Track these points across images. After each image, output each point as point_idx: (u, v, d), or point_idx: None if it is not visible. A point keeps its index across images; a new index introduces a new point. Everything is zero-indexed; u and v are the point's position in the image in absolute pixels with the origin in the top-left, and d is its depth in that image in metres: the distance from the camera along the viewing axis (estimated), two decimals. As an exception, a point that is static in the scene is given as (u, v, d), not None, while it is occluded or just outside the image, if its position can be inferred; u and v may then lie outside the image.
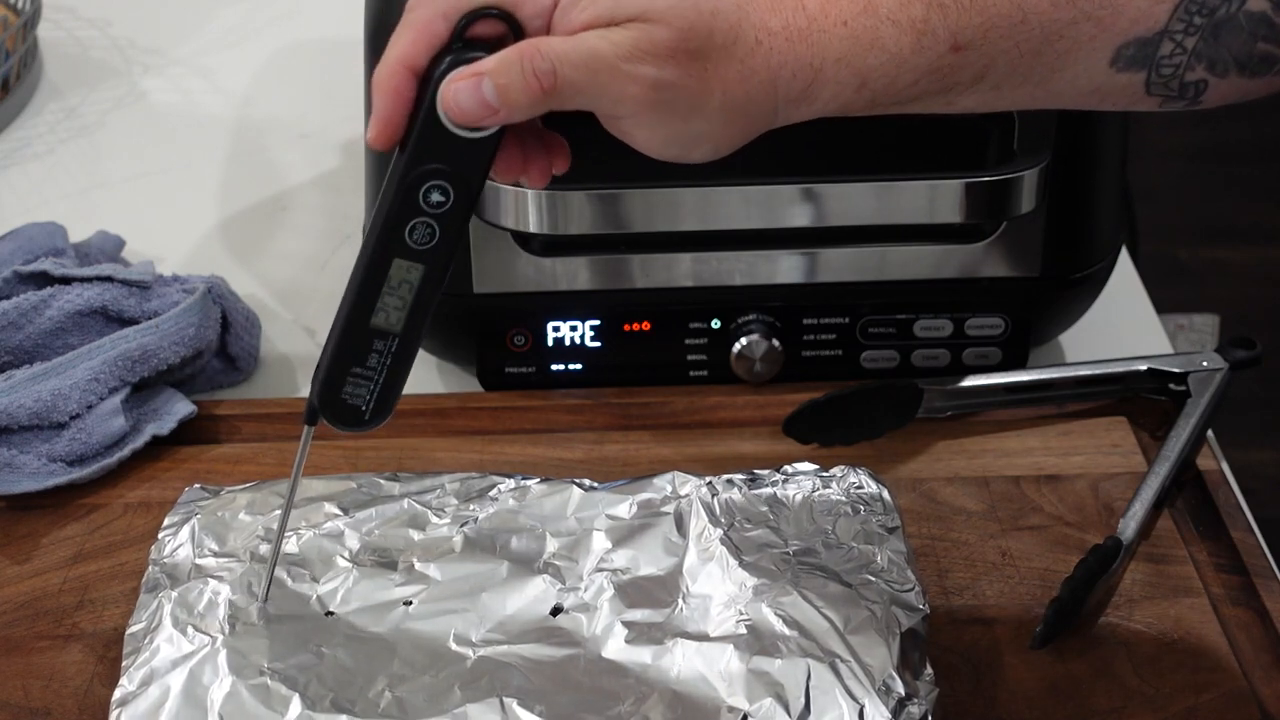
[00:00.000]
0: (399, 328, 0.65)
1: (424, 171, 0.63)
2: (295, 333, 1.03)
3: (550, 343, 0.93)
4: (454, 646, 0.70)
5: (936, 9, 0.63)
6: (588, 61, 0.61)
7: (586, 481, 0.80)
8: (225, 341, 0.97)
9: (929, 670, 0.70)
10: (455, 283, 0.90)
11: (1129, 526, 0.82)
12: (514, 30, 0.62)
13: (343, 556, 0.75)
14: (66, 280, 0.95)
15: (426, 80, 0.62)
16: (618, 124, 0.63)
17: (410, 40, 0.62)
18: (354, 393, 0.66)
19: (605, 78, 0.61)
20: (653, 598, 0.72)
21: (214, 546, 0.76)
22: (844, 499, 0.78)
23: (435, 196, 0.63)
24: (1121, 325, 1.01)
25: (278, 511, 0.78)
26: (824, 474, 0.80)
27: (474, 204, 0.64)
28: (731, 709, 0.67)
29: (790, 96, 0.63)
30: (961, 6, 0.63)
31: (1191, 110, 0.66)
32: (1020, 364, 0.94)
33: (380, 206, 0.64)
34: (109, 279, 0.94)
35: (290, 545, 0.75)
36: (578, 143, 0.89)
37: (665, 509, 0.77)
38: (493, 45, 0.62)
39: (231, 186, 1.19)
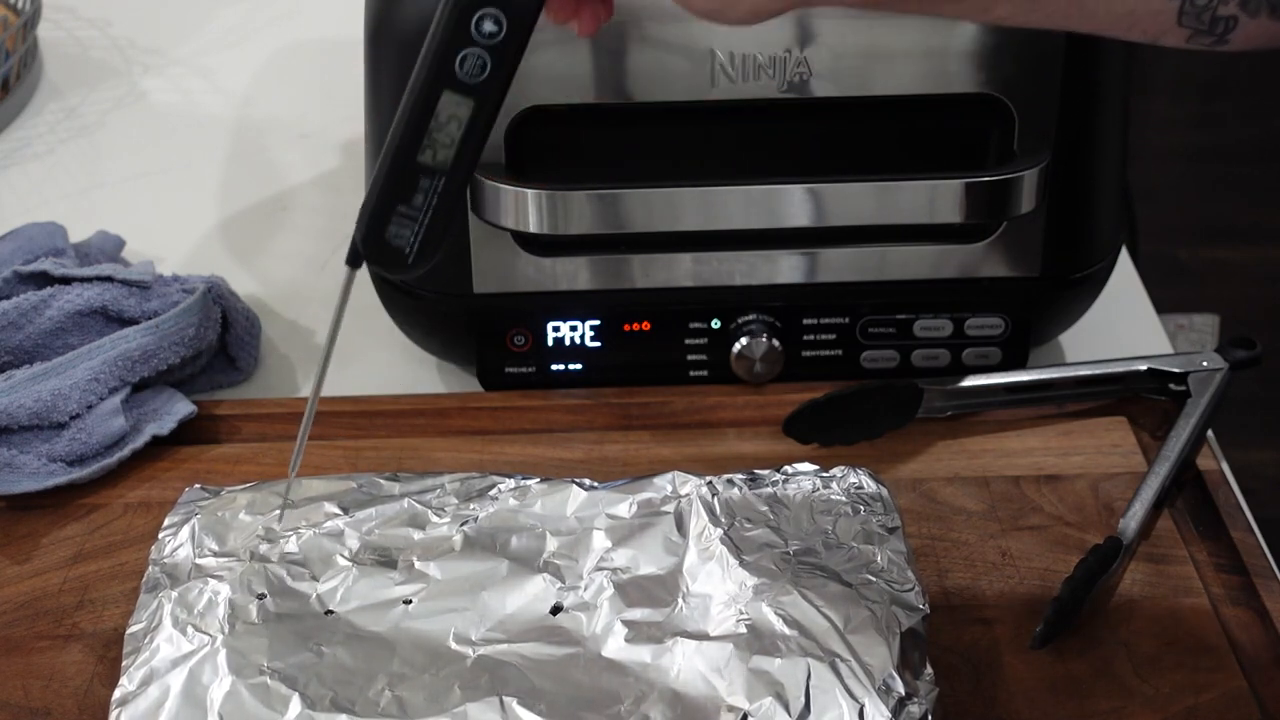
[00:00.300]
0: (446, 165, 0.63)
1: None
2: (295, 333, 1.03)
3: (550, 343, 0.93)
4: (454, 645, 0.70)
5: None
6: None
7: (587, 481, 0.80)
8: (225, 341, 0.97)
9: (929, 670, 0.70)
10: (455, 283, 0.90)
11: (1129, 526, 0.82)
12: None
13: (343, 555, 0.75)
14: (66, 280, 0.95)
15: None
16: None
17: None
18: (398, 233, 0.64)
19: None
20: (653, 597, 0.72)
21: (214, 546, 0.76)
22: (844, 499, 0.78)
23: (488, 26, 0.61)
24: (1121, 325, 1.01)
25: (278, 511, 0.78)
26: (824, 474, 0.80)
27: (528, 36, 0.62)
28: (731, 708, 0.67)
29: None
30: None
31: (1213, 51, 0.65)
32: (1020, 364, 0.94)
33: (431, 37, 0.62)
34: (109, 279, 0.94)
35: (290, 545, 0.75)
36: (577, 142, 0.89)
37: (665, 508, 0.77)
38: None
39: (231, 186, 1.19)
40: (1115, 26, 0.65)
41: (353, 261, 0.66)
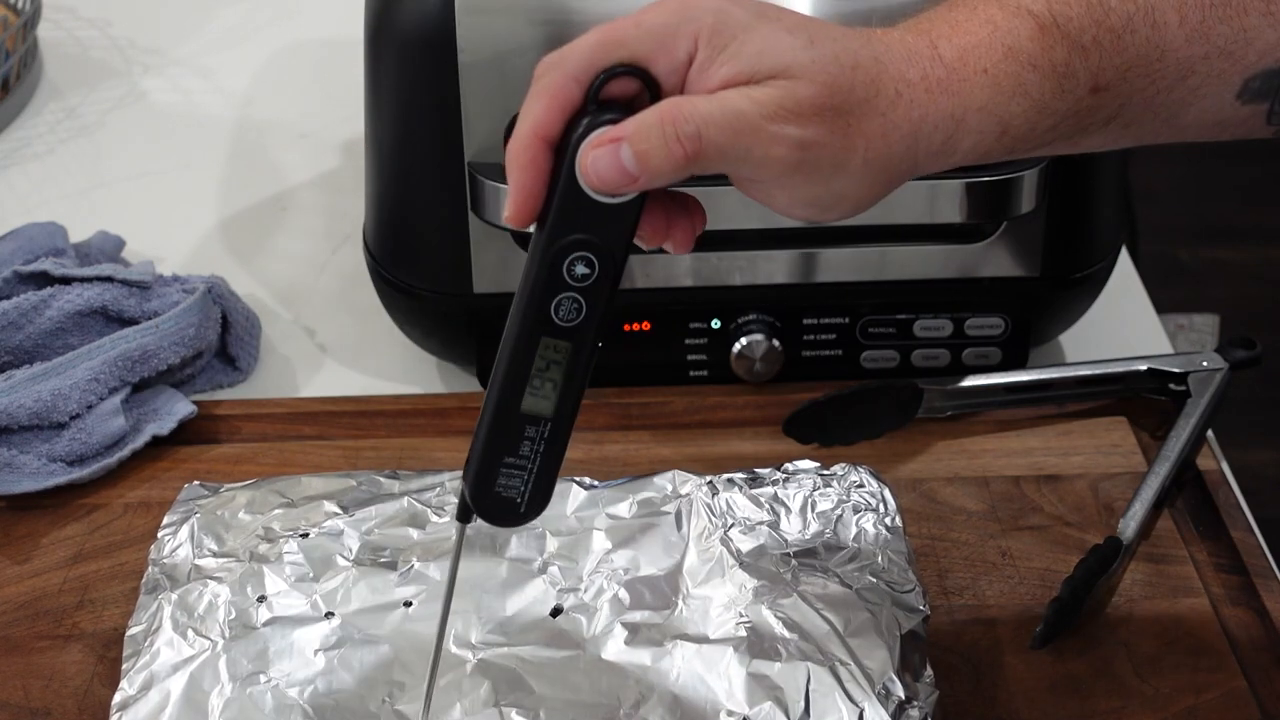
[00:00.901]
0: (550, 411, 0.62)
1: (567, 243, 0.60)
2: (295, 333, 1.03)
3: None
4: (454, 649, 0.70)
5: (1078, 52, 0.62)
6: (732, 123, 0.58)
7: (587, 480, 0.79)
8: (225, 341, 0.97)
9: (929, 672, 0.70)
10: (455, 283, 0.90)
11: (1129, 526, 0.82)
12: (650, 88, 0.59)
13: (343, 556, 0.75)
14: (67, 280, 0.95)
15: (562, 149, 0.59)
16: (757, 187, 0.62)
17: (543, 108, 0.59)
18: (508, 484, 0.63)
19: (750, 139, 0.59)
20: (653, 599, 0.72)
21: (213, 547, 0.76)
22: (845, 499, 0.78)
23: (580, 269, 0.60)
24: (1121, 325, 1.01)
25: (278, 510, 0.78)
26: (824, 472, 0.80)
27: (620, 274, 0.61)
28: (731, 712, 0.67)
29: (931, 149, 0.62)
30: (1102, 49, 0.62)
31: None
32: (1020, 364, 0.94)
33: (523, 286, 0.61)
34: (109, 279, 0.94)
35: (290, 545, 0.75)
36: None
37: (666, 508, 0.77)
38: (628, 106, 0.59)
39: (231, 186, 1.19)
40: (1207, 135, 0.66)
41: (463, 517, 0.65)
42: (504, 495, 0.63)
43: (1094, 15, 0.62)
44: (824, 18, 0.83)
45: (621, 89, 0.60)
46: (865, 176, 0.61)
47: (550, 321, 0.61)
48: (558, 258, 0.60)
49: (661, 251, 0.64)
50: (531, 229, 0.62)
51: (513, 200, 0.60)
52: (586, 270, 0.60)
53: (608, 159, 0.58)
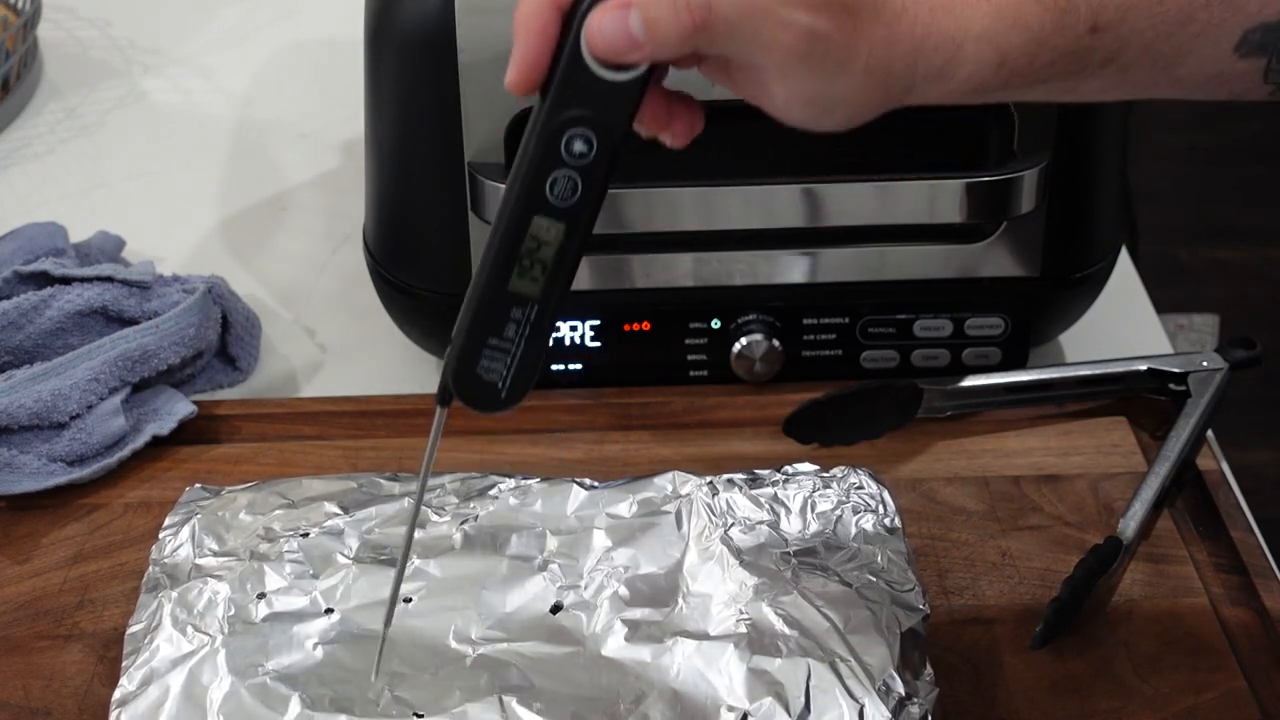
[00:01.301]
0: (538, 293, 0.60)
1: (567, 119, 0.59)
2: (295, 333, 1.03)
3: (550, 343, 0.93)
4: (454, 644, 0.70)
5: None
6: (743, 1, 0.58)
7: (587, 480, 0.80)
8: (225, 341, 0.98)
9: (929, 670, 0.70)
10: (455, 283, 0.90)
11: (1129, 526, 0.82)
12: None
13: (343, 554, 0.75)
14: (67, 280, 0.95)
15: (571, 17, 0.58)
16: (759, 77, 0.61)
17: None
18: (490, 367, 0.61)
19: (760, 19, 0.58)
20: (653, 596, 0.72)
21: (214, 546, 0.76)
22: (844, 499, 0.78)
23: (578, 146, 0.59)
24: (1121, 325, 1.01)
25: (278, 511, 0.78)
26: (824, 474, 0.80)
27: (619, 156, 0.60)
28: (731, 708, 0.67)
29: (930, 71, 0.62)
30: None
31: None
32: (1020, 364, 0.94)
33: (519, 160, 0.60)
34: (109, 279, 0.95)
35: (290, 544, 0.75)
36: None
37: (666, 508, 0.77)
38: None
39: (231, 186, 1.19)
40: (1202, 89, 0.66)
41: (443, 400, 0.63)
42: (485, 379, 0.62)
43: None
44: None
45: None
46: (865, 82, 0.61)
47: (544, 200, 0.60)
48: (556, 133, 0.59)
49: (656, 145, 0.63)
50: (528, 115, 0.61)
51: (516, 66, 0.59)
52: (584, 148, 0.59)
53: (614, 23, 0.58)
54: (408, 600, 0.72)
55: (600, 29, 0.58)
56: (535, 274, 0.60)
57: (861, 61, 0.60)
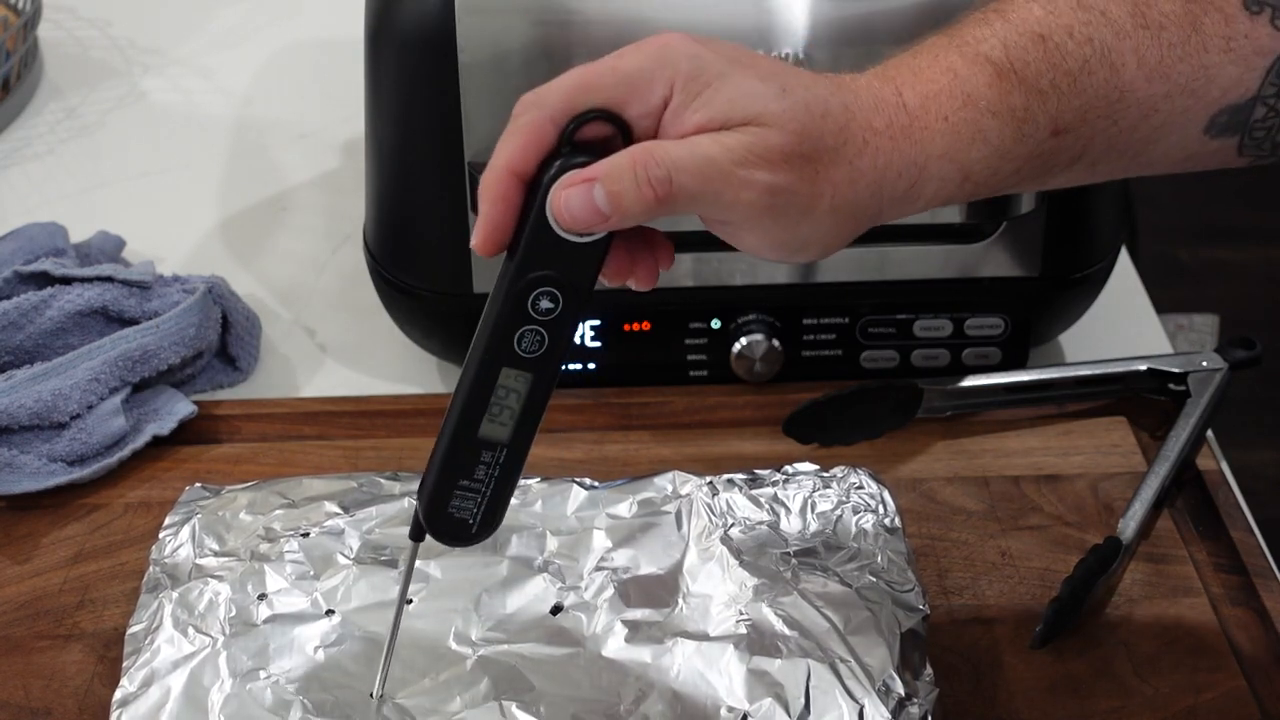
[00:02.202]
0: (507, 438, 0.63)
1: (534, 279, 0.61)
2: (295, 333, 1.03)
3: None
4: (454, 645, 0.70)
5: (1036, 96, 0.62)
6: (702, 168, 0.59)
7: (587, 480, 0.80)
8: (225, 341, 0.98)
9: (929, 670, 0.70)
10: (455, 282, 0.90)
11: (1129, 526, 0.82)
12: (623, 133, 0.61)
13: (343, 555, 0.75)
14: (67, 280, 0.95)
15: (535, 186, 0.61)
16: (726, 229, 0.63)
17: (518, 145, 0.61)
18: (461, 506, 0.64)
19: (720, 184, 0.60)
20: (653, 597, 0.72)
21: (214, 546, 0.76)
22: (844, 499, 0.78)
23: (544, 304, 0.62)
24: (1121, 325, 1.01)
25: (279, 511, 0.78)
26: (824, 474, 0.80)
27: (583, 310, 0.62)
28: (731, 709, 0.67)
29: (895, 195, 0.63)
30: (1060, 92, 0.62)
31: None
32: (1020, 364, 0.95)
33: (488, 315, 0.62)
34: (109, 279, 0.95)
35: (291, 544, 0.75)
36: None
37: (666, 508, 0.77)
38: (601, 148, 0.61)
39: (231, 186, 1.19)
40: (1178, 168, 0.66)
41: (416, 536, 0.66)
42: (457, 516, 0.64)
43: (1050, 59, 0.62)
44: (824, 23, 0.84)
45: (596, 132, 0.61)
46: (832, 222, 0.62)
47: (513, 352, 0.62)
48: (524, 292, 0.61)
49: (625, 289, 0.65)
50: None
51: (481, 230, 0.61)
52: (551, 305, 0.62)
53: (580, 198, 0.60)
54: (409, 602, 0.72)
55: (566, 204, 0.60)
56: (504, 420, 0.63)
57: (826, 204, 0.61)
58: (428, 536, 0.66)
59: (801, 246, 0.63)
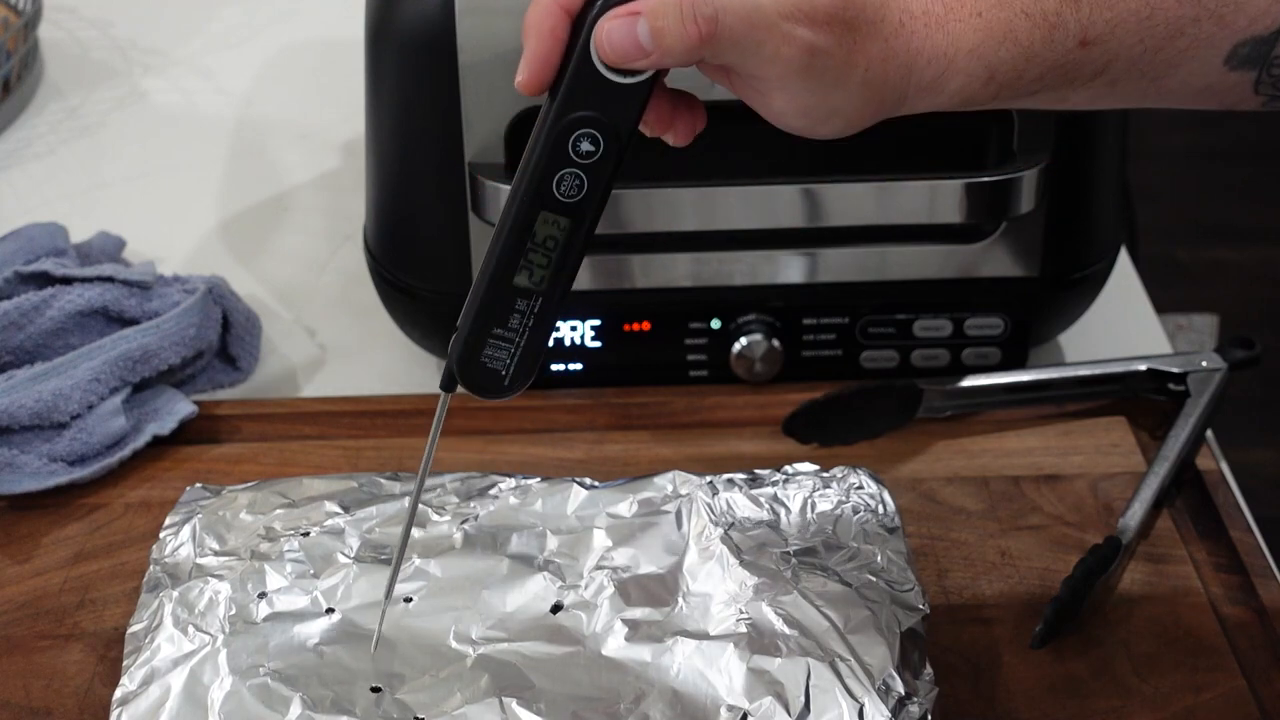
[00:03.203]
0: (543, 286, 0.63)
1: (575, 119, 0.61)
2: (295, 333, 1.03)
3: (550, 343, 0.93)
4: (454, 644, 0.70)
5: (1069, 3, 0.63)
6: (750, 14, 0.60)
7: (587, 480, 0.80)
8: (226, 341, 0.98)
9: (929, 670, 0.70)
10: (455, 282, 0.90)
11: (1128, 526, 0.82)
12: None
13: (344, 554, 0.75)
14: (67, 280, 0.95)
15: (580, 22, 0.60)
16: (759, 86, 0.63)
17: None
18: (494, 356, 0.63)
19: (764, 33, 0.60)
20: (653, 596, 0.73)
21: (215, 546, 0.76)
22: (844, 499, 0.78)
23: (585, 146, 0.61)
24: (1121, 325, 1.01)
25: (279, 510, 0.78)
26: (824, 474, 0.80)
27: (624, 155, 0.62)
28: (731, 708, 0.67)
29: (922, 83, 0.63)
30: (1093, 1, 0.63)
31: None
32: (1020, 364, 0.95)
33: (527, 159, 0.62)
34: (110, 279, 0.95)
35: (291, 544, 0.75)
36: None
37: (666, 508, 0.77)
38: None
39: (232, 186, 1.19)
40: (1193, 101, 0.67)
41: (447, 386, 0.65)
42: (490, 367, 0.64)
43: None
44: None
45: None
46: (860, 95, 0.63)
47: (551, 196, 0.62)
48: (565, 132, 0.61)
49: (658, 143, 0.65)
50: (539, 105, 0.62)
51: (526, 66, 0.61)
52: (592, 147, 0.61)
53: (623, 31, 0.60)
54: (408, 600, 0.72)
55: (609, 36, 0.60)
56: (541, 266, 0.62)
57: (859, 75, 0.62)
58: (459, 388, 0.65)
59: (827, 116, 0.63)
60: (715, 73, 0.64)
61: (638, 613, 0.72)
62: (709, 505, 0.77)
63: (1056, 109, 0.67)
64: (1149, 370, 0.92)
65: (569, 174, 0.61)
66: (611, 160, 0.62)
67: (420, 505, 0.78)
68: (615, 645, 0.70)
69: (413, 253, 0.92)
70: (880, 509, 0.78)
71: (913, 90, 0.63)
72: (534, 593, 0.73)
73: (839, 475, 0.80)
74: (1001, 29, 0.63)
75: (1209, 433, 0.90)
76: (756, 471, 0.80)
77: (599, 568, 0.74)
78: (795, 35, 0.60)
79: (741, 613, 0.71)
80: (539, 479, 0.80)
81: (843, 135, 0.65)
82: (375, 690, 0.68)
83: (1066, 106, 0.67)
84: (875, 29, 0.62)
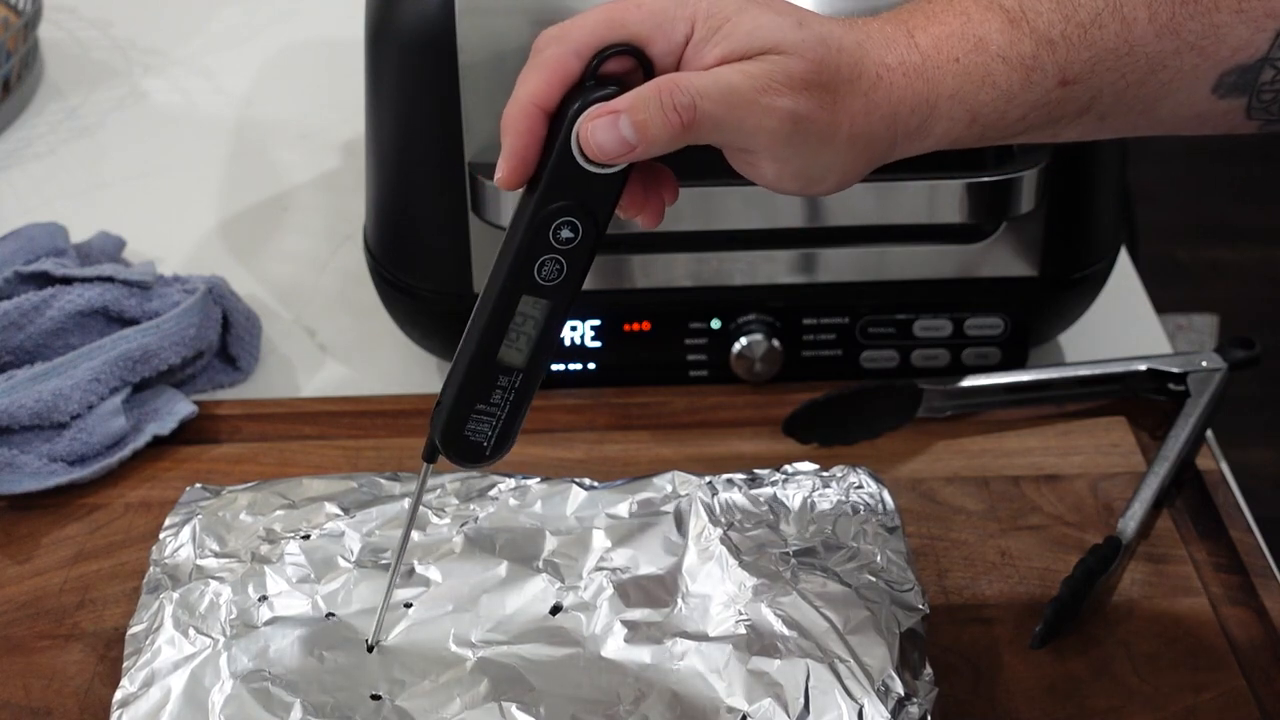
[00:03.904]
0: (524, 363, 0.65)
1: (556, 209, 0.63)
2: (295, 333, 1.03)
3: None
4: (454, 648, 0.70)
5: (1045, 45, 0.64)
6: (726, 95, 0.61)
7: (587, 481, 0.80)
8: (226, 341, 0.98)
9: (928, 670, 0.70)
10: (455, 282, 0.90)
11: (1128, 526, 0.82)
12: (645, 67, 0.62)
13: (344, 558, 0.75)
14: (68, 280, 0.95)
15: (559, 118, 0.62)
16: (748, 158, 0.64)
17: (543, 79, 0.62)
18: (476, 429, 0.66)
19: (743, 111, 0.62)
20: (652, 597, 0.72)
21: (215, 547, 0.76)
22: (844, 499, 0.78)
23: (565, 233, 0.63)
24: (1121, 325, 1.01)
25: (279, 512, 0.78)
26: (824, 474, 0.80)
27: (600, 239, 0.64)
28: (730, 709, 0.67)
29: (908, 130, 0.65)
30: (1070, 42, 0.64)
31: None
32: (1020, 364, 0.95)
33: (508, 243, 0.64)
34: (110, 279, 0.95)
35: (291, 546, 0.75)
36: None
37: (665, 508, 0.77)
38: (624, 82, 0.62)
39: (232, 186, 1.19)
40: (1186, 128, 0.68)
41: (429, 457, 0.68)
42: (471, 439, 0.67)
43: (1063, 10, 0.64)
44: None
45: (618, 67, 0.63)
46: (849, 151, 0.64)
47: (532, 280, 0.64)
48: (546, 221, 0.63)
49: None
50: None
51: (506, 163, 0.63)
52: (571, 234, 0.63)
53: (607, 129, 0.61)
54: (408, 605, 0.72)
55: (594, 136, 0.62)
56: (521, 346, 0.65)
57: (845, 132, 0.63)
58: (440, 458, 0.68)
59: (821, 176, 0.65)
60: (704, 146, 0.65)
61: (637, 614, 0.72)
62: (709, 505, 0.77)
63: (1053, 141, 0.68)
64: (1149, 370, 0.92)
65: (549, 259, 0.64)
66: (589, 244, 0.64)
67: (420, 506, 0.78)
68: (615, 647, 0.70)
69: (413, 253, 0.92)
70: (880, 509, 0.78)
71: (900, 138, 0.65)
72: (533, 594, 0.73)
73: (839, 475, 0.80)
74: (979, 74, 0.64)
75: (1209, 433, 0.90)
76: (756, 471, 0.80)
77: (598, 569, 0.74)
78: (775, 106, 0.62)
79: (741, 614, 0.71)
80: (538, 479, 0.80)
81: (839, 190, 0.66)
82: (375, 698, 0.68)
83: (1060, 140, 0.67)
84: (853, 86, 0.63)
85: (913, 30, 0.65)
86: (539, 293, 0.64)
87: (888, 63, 0.64)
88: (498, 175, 0.63)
